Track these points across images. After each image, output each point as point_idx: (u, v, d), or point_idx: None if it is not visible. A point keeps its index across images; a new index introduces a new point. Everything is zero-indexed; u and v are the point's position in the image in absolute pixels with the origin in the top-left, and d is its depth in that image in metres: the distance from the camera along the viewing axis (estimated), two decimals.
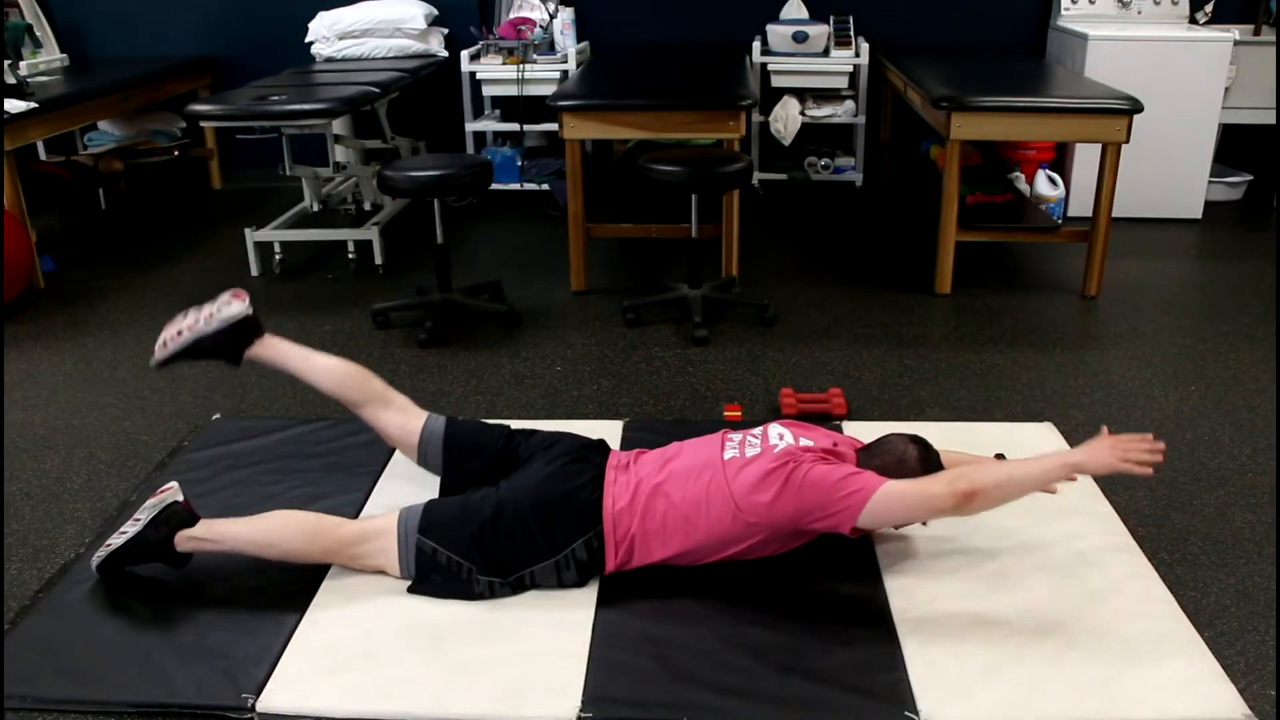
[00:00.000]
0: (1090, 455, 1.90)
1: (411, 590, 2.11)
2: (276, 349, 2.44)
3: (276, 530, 2.12)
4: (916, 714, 1.78)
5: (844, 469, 2.00)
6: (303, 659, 1.93)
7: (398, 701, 1.82)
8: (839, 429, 2.79)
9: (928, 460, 2.12)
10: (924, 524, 2.22)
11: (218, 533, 2.13)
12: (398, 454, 2.66)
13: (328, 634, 1.99)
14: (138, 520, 2.14)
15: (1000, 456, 2.27)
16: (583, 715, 1.79)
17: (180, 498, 2.17)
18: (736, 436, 2.18)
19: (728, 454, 2.12)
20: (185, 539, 2.12)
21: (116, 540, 2.14)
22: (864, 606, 2.06)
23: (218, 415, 2.98)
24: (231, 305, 2.38)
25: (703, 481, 2.08)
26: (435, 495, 2.38)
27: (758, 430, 2.18)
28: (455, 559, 2.09)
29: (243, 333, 2.39)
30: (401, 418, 2.40)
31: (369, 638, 1.98)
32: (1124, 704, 1.79)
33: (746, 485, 2.03)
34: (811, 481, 1.98)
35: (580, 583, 2.12)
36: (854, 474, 1.98)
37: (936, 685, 1.84)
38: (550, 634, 1.98)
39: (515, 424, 2.42)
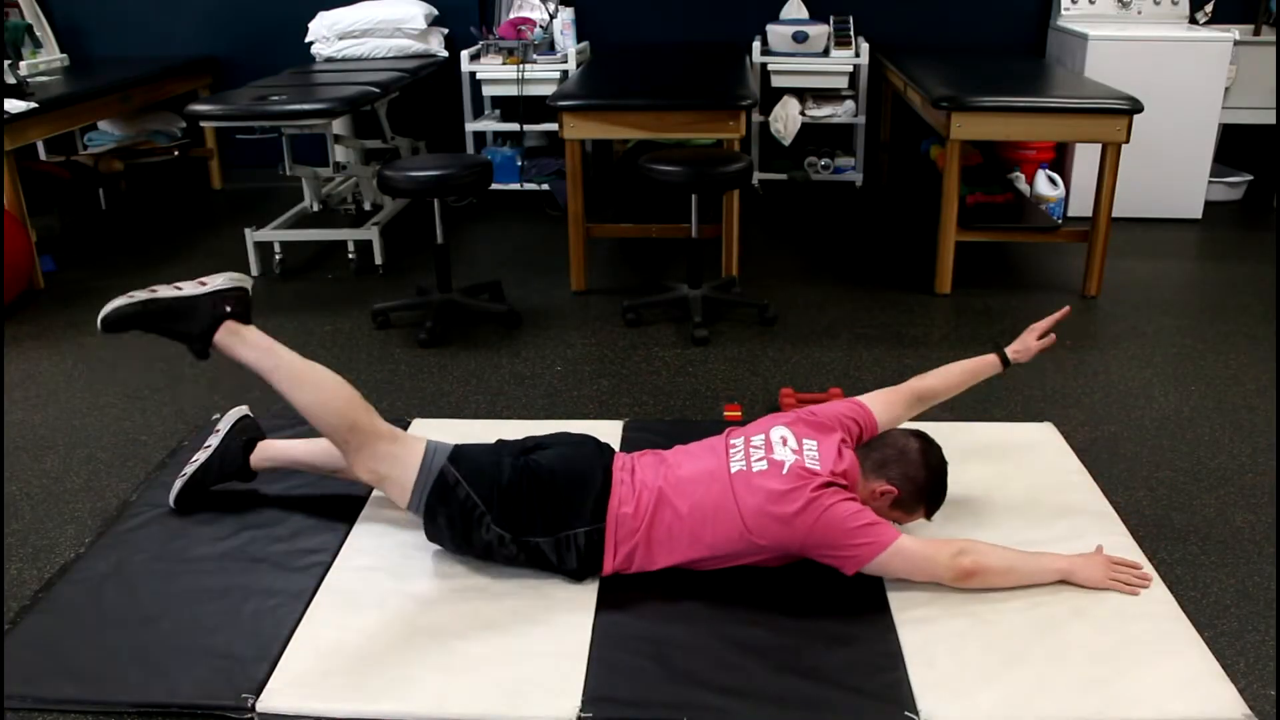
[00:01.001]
0: (1084, 569, 2.10)
1: (425, 524, 2.12)
2: (276, 452, 2.44)
3: (320, 376, 2.15)
4: (916, 714, 1.78)
5: (864, 515, 2.02)
6: (303, 659, 1.93)
7: (398, 701, 1.82)
8: None
9: (928, 453, 2.15)
10: (928, 519, 2.23)
11: (266, 344, 2.18)
12: None
13: (328, 634, 1.99)
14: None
15: (1000, 350, 2.44)
16: (583, 715, 1.79)
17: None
18: (738, 441, 2.17)
19: (734, 466, 2.10)
20: (231, 332, 2.18)
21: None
22: (864, 606, 2.06)
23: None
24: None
25: (711, 494, 2.06)
26: None
27: (759, 438, 2.15)
28: (474, 497, 2.07)
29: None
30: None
31: (369, 638, 1.98)
32: (1124, 704, 1.79)
33: (755, 506, 2.02)
34: (828, 521, 1.99)
35: (577, 575, 2.11)
36: (870, 524, 2.01)
37: (936, 685, 1.84)
38: (550, 634, 1.98)
39: (504, 436, 2.40)
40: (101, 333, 2.15)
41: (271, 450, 2.43)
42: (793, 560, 2.11)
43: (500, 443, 2.27)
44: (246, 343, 2.19)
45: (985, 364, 2.45)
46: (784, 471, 2.04)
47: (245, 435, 2.43)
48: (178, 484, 2.40)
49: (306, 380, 2.14)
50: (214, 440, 2.42)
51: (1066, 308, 2.50)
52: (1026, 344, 2.46)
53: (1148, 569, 2.14)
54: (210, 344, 2.19)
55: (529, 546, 2.09)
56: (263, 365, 2.17)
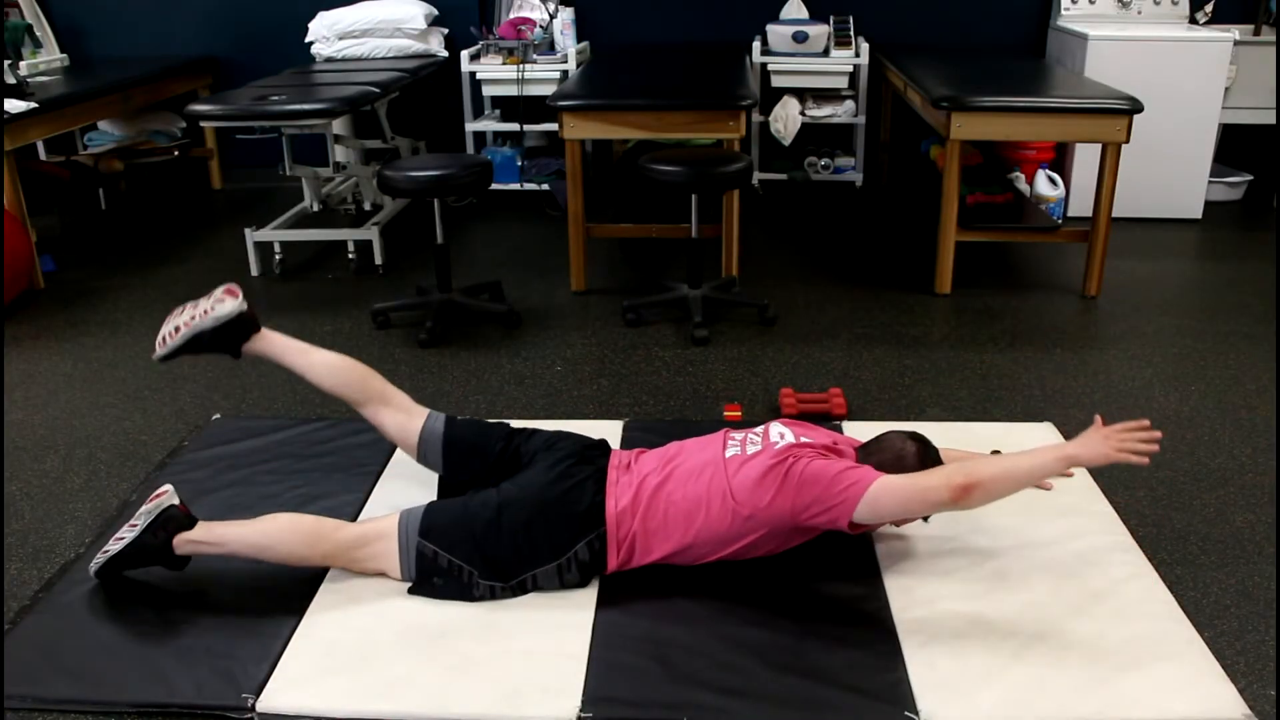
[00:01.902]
0: (1086, 447, 1.89)
1: (412, 591, 2.11)
2: (276, 344, 2.43)
3: (275, 534, 2.11)
4: (916, 714, 1.78)
5: (841, 463, 2.01)
6: (303, 659, 1.93)
7: (398, 701, 1.82)
8: (839, 429, 2.79)
9: (926, 456, 2.12)
10: (925, 520, 2.22)
11: (217, 536, 2.12)
12: (398, 454, 2.66)
13: (328, 634, 1.99)
14: (134, 525, 2.13)
15: (996, 453, 2.27)
16: (583, 715, 1.79)
17: (176, 501, 2.16)
18: (738, 435, 2.19)
19: (729, 452, 2.12)
20: (184, 542, 2.12)
21: (114, 546, 2.13)
22: (864, 606, 2.06)
23: (218, 415, 2.98)
24: (225, 303, 2.36)
25: (704, 479, 2.08)
26: (435, 496, 2.39)
27: (759, 429, 2.18)
28: (456, 563, 2.09)
29: (239, 329, 2.39)
30: (401, 417, 2.39)
31: (369, 638, 1.98)
32: (1124, 704, 1.79)
33: (746, 482, 2.03)
34: (809, 476, 1.99)
35: (582, 583, 2.12)
36: (851, 468, 1.99)
37: (936, 685, 1.84)
38: (550, 634, 1.98)
39: (516, 423, 2.42)
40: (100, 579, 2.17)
41: (288, 357, 2.45)
42: (791, 543, 2.10)
43: (505, 432, 2.31)
44: (199, 546, 2.12)
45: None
46: (776, 449, 2.06)
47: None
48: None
49: (266, 547, 2.11)
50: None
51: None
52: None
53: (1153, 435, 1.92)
54: (177, 560, 2.14)
55: (525, 585, 2.11)
56: (224, 554, 2.13)
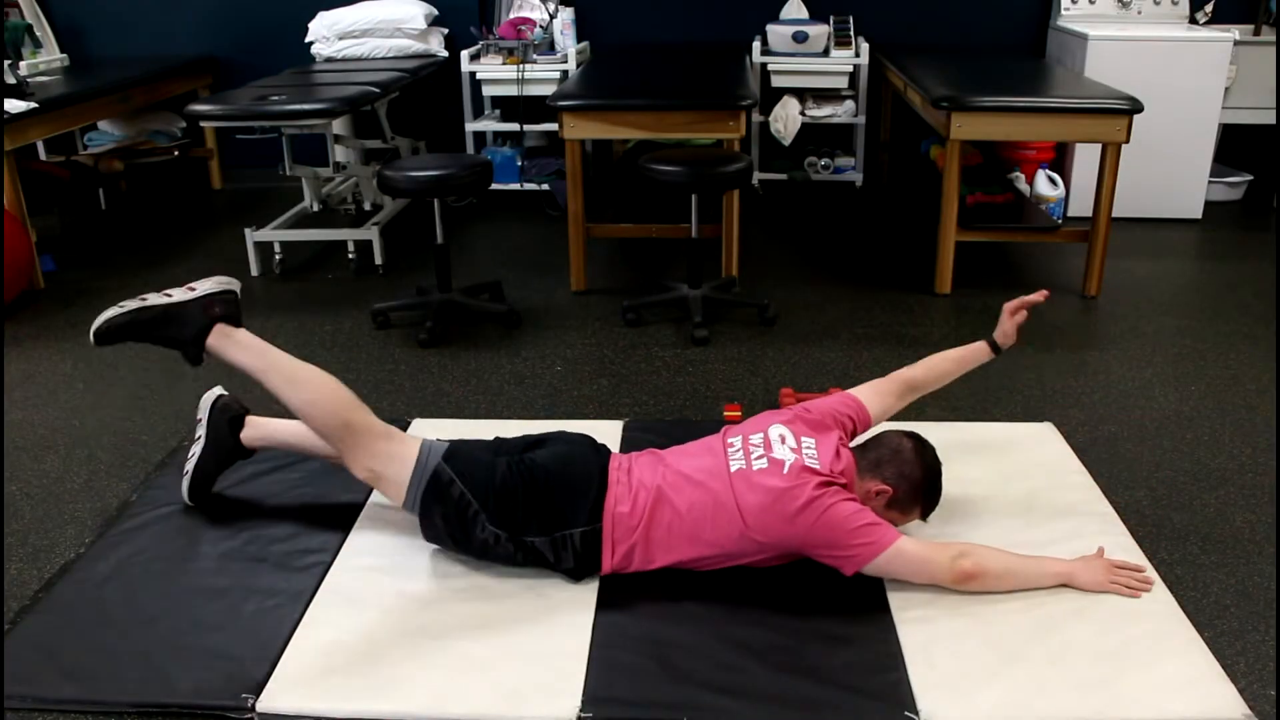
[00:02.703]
0: (1085, 572, 2.09)
1: (422, 524, 2.12)
2: (266, 432, 2.44)
3: (313, 376, 2.15)
4: (916, 714, 1.78)
5: (865, 515, 2.02)
6: (303, 659, 1.93)
7: (398, 701, 1.82)
8: None
9: (922, 452, 2.15)
10: (923, 520, 2.23)
11: (258, 347, 2.18)
12: None
13: (328, 634, 1.99)
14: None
15: (990, 339, 2.49)
16: (583, 715, 1.79)
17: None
18: (736, 440, 2.17)
19: (733, 464, 2.10)
20: (222, 335, 2.18)
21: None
22: (864, 606, 2.06)
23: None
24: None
25: (710, 492, 2.06)
26: None
27: (757, 436, 2.15)
28: (469, 496, 2.07)
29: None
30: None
31: (369, 638, 1.98)
32: (1124, 704, 1.79)
33: (756, 505, 2.02)
34: (829, 521, 2.00)
35: (575, 575, 2.11)
36: (871, 525, 2.01)
37: (936, 685, 1.84)
38: (550, 634, 1.98)
39: (504, 435, 2.40)
40: (95, 345, 2.16)
41: (262, 430, 2.43)
42: (791, 560, 2.11)
43: (498, 440, 2.27)
44: (239, 345, 2.19)
45: (974, 351, 2.50)
46: (784, 470, 2.04)
47: (228, 415, 2.41)
48: (185, 482, 2.42)
49: (299, 380, 2.14)
50: (201, 431, 2.42)
51: (1044, 291, 2.52)
52: (1004, 327, 2.50)
53: (1150, 573, 2.14)
54: (203, 348, 2.19)
55: (525, 545, 2.09)
56: (255, 367, 2.16)
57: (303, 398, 2.12)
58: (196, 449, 2.41)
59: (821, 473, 2.05)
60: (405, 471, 2.09)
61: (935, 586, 2.07)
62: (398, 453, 2.11)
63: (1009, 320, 2.50)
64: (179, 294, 2.21)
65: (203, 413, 2.43)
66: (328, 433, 2.13)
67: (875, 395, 2.36)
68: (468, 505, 2.07)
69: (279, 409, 2.27)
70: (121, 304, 2.18)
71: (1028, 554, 2.12)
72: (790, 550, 2.06)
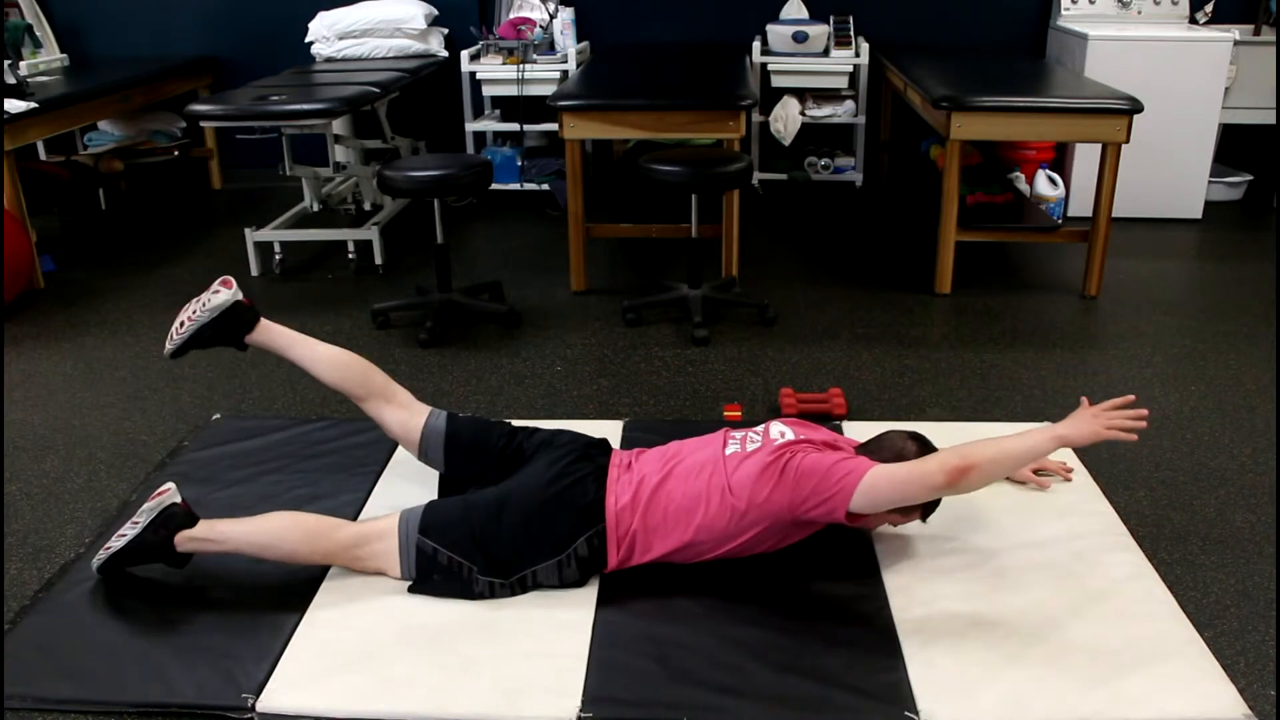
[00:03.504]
0: (1075, 427, 1.95)
1: (412, 590, 2.11)
2: (280, 336, 2.43)
3: (277, 532, 2.12)
4: (916, 714, 1.78)
5: (837, 455, 2.02)
6: (303, 659, 1.93)
7: (398, 701, 1.82)
8: (839, 429, 2.80)
9: (925, 455, 2.13)
10: (924, 520, 2.22)
11: (218, 533, 2.13)
12: (398, 454, 2.66)
13: (328, 634, 1.99)
14: (136, 523, 2.13)
15: None
16: (583, 715, 1.79)
17: (178, 499, 2.16)
18: (739, 434, 2.19)
19: (729, 449, 2.13)
20: (185, 540, 2.12)
21: (116, 543, 2.13)
22: (864, 606, 2.06)
23: (218, 415, 2.98)
24: (219, 294, 2.38)
25: (704, 477, 2.09)
26: (436, 495, 2.39)
27: (760, 428, 2.18)
28: (456, 559, 2.09)
29: (235, 318, 2.39)
30: (403, 413, 2.39)
31: (369, 638, 1.98)
32: (1124, 704, 1.79)
33: (745, 478, 2.04)
34: (805, 469, 1.99)
35: (581, 580, 2.12)
36: (846, 458, 2.00)
37: (936, 685, 1.84)
38: (550, 634, 1.98)
39: (516, 422, 2.42)
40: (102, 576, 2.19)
41: (291, 349, 2.45)
42: (791, 539, 2.11)
43: (507, 429, 2.31)
44: (201, 544, 2.14)
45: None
46: (775, 445, 2.07)
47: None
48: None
49: (267, 545, 2.12)
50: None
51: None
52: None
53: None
54: (179, 557, 2.15)
55: (525, 582, 2.11)
56: (225, 552, 2.13)
57: (280, 554, 2.13)
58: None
59: (812, 442, 2.07)
60: (393, 561, 2.13)
61: (935, 586, 2.07)
62: (380, 550, 2.13)
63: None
64: (128, 529, 2.14)
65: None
66: (317, 565, 2.16)
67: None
68: (459, 566, 2.09)
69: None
70: (95, 555, 2.18)
71: (1017, 433, 1.98)
72: (783, 518, 2.04)
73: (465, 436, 2.35)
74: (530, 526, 2.09)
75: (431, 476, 2.44)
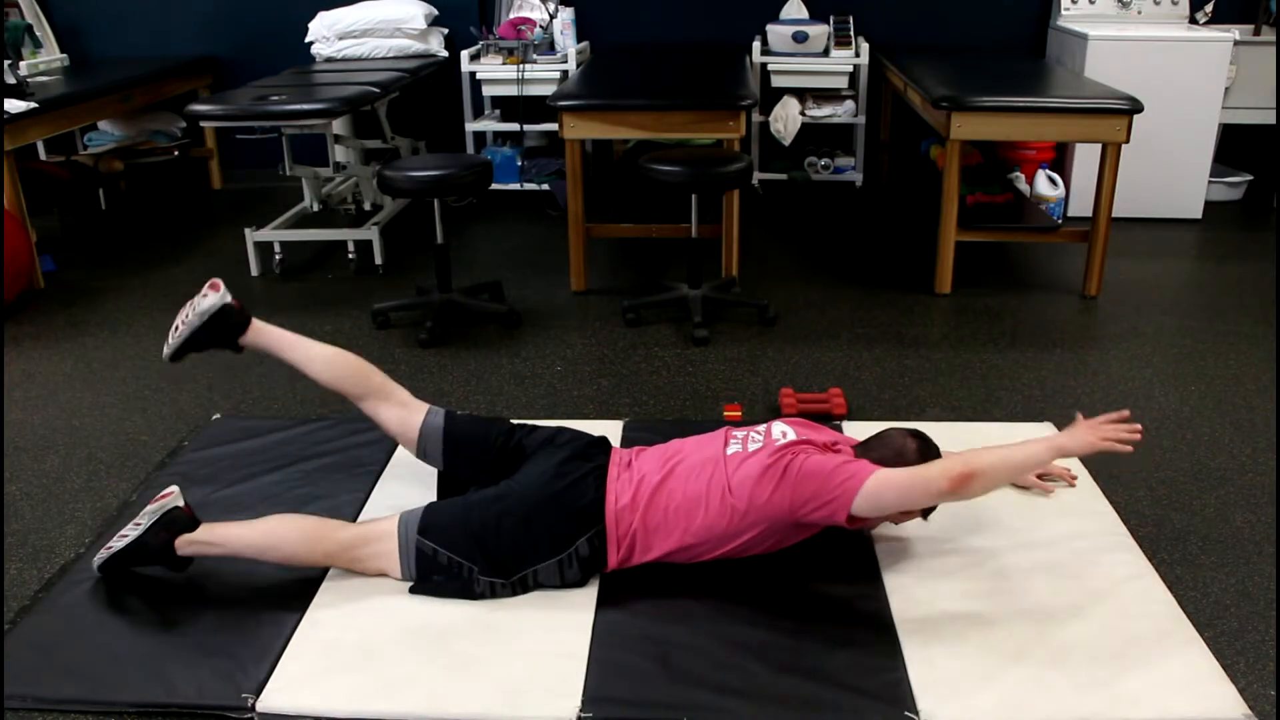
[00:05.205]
0: (1072, 438, 2.00)
1: (413, 591, 2.11)
2: (274, 337, 2.43)
3: (277, 534, 2.12)
4: (916, 714, 1.78)
5: (839, 458, 2.02)
6: (303, 659, 1.93)
7: (398, 701, 1.82)
8: (839, 429, 2.79)
9: (926, 453, 2.13)
10: (925, 518, 2.22)
11: (219, 536, 2.13)
12: (398, 454, 2.66)
13: (328, 634, 1.99)
14: (139, 524, 2.13)
15: None
16: (583, 715, 1.79)
17: (181, 502, 2.16)
18: (740, 433, 2.19)
19: (730, 449, 2.13)
20: (186, 543, 2.12)
21: (118, 543, 2.13)
22: (864, 606, 2.06)
23: (218, 415, 2.98)
24: (207, 297, 2.37)
25: (704, 477, 2.08)
26: (435, 495, 2.38)
27: (761, 427, 2.18)
28: (456, 559, 2.09)
29: (224, 321, 2.38)
30: (401, 411, 2.39)
31: (369, 638, 1.98)
32: (1124, 704, 1.79)
33: (746, 479, 2.04)
34: (807, 471, 1.99)
35: (582, 580, 2.12)
36: (848, 462, 2.00)
37: (936, 685, 1.84)
38: (550, 634, 1.98)
39: (516, 421, 2.42)
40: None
41: (286, 350, 2.45)
42: (791, 540, 2.10)
43: (504, 428, 2.31)
44: (202, 548, 2.14)
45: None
46: (776, 445, 2.07)
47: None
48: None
49: (267, 548, 2.12)
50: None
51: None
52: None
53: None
54: (179, 560, 2.15)
55: (525, 582, 2.10)
56: (225, 555, 2.14)
57: (281, 556, 2.13)
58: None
59: (814, 443, 2.07)
60: (394, 561, 2.13)
61: (935, 586, 2.06)
62: (380, 551, 2.13)
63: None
64: (129, 529, 2.14)
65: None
66: (317, 566, 2.16)
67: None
68: (459, 567, 2.09)
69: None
70: (96, 554, 2.18)
71: (1017, 443, 2.01)
72: (783, 520, 2.04)
73: (463, 433, 2.35)
74: (531, 527, 2.09)
75: (431, 477, 2.43)
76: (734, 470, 2.07)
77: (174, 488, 2.19)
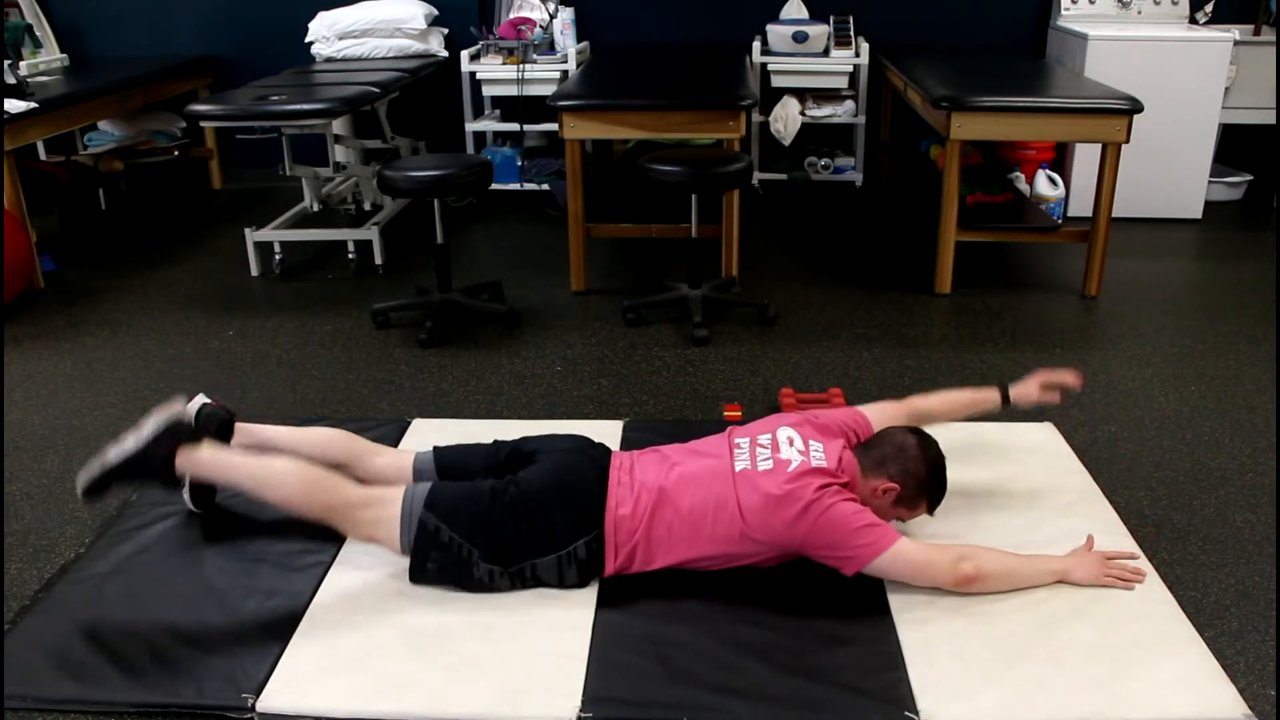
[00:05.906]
0: (1079, 567, 2.11)
1: (412, 579, 2.10)
2: (257, 435, 2.37)
3: (280, 472, 2.10)
4: (916, 714, 1.78)
5: (865, 515, 2.02)
6: (303, 659, 1.93)
7: (398, 701, 1.82)
8: None
9: (926, 449, 2.15)
10: (930, 514, 2.23)
11: (223, 459, 2.10)
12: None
13: (328, 634, 1.99)
14: (141, 435, 2.10)
15: (1004, 387, 2.47)
16: (583, 715, 1.79)
17: (203, 401, 2.16)
18: (744, 441, 2.17)
19: (738, 464, 2.11)
20: (187, 460, 2.09)
21: (115, 457, 2.09)
22: (864, 606, 2.06)
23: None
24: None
25: (712, 492, 2.07)
26: None
27: (765, 437, 2.16)
28: (458, 540, 2.07)
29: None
30: (391, 456, 2.37)
31: (369, 638, 1.98)
32: (1124, 704, 1.79)
33: (757, 505, 2.03)
34: (830, 520, 2.00)
35: (581, 582, 2.11)
36: (872, 525, 2.01)
37: (936, 685, 1.84)
38: (550, 634, 1.98)
39: (503, 436, 2.41)
40: (85, 500, 2.14)
41: (256, 436, 2.39)
42: (791, 559, 2.11)
43: (494, 443, 2.31)
44: (201, 465, 2.14)
45: (987, 397, 2.47)
46: (789, 470, 2.04)
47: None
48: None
49: (267, 481, 2.10)
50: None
51: (1077, 380, 2.50)
52: (1029, 390, 2.46)
53: (1143, 564, 2.15)
54: (175, 478, 2.16)
55: (523, 574, 2.10)
56: (224, 481, 2.13)
57: (278, 496, 2.11)
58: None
59: (826, 472, 2.05)
60: (394, 530, 2.10)
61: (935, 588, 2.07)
62: (382, 516, 2.10)
63: (1036, 389, 2.46)
64: (131, 441, 2.13)
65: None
66: (312, 518, 2.13)
67: (883, 417, 2.34)
68: (459, 547, 2.07)
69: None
70: (88, 466, 2.13)
71: (1028, 554, 2.13)
72: (791, 550, 2.06)
73: (453, 456, 2.34)
74: (533, 518, 2.08)
75: None
76: (745, 492, 2.05)
77: (184, 398, 2.13)
